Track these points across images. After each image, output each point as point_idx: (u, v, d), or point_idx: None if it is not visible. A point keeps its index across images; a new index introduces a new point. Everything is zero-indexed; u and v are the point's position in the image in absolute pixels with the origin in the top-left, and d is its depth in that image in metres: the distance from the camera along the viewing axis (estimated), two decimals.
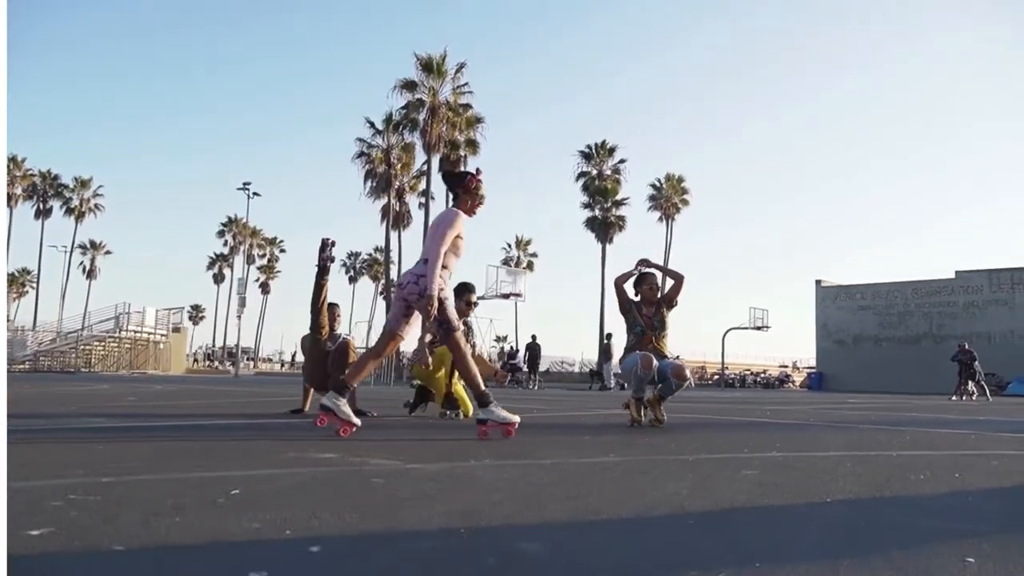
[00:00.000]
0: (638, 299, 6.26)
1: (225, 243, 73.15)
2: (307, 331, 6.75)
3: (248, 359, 59.57)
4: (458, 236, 4.55)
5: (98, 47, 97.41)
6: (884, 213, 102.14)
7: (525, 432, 4.63)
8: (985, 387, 19.98)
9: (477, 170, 4.77)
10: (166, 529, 1.80)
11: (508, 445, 4.06)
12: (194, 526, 1.85)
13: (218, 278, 75.71)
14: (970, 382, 19.55)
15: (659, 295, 6.27)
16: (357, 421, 4.34)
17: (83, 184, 58.89)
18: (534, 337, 23.93)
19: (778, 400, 15.43)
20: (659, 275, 6.45)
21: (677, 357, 6.78)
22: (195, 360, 63.32)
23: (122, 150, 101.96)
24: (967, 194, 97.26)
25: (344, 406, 4.26)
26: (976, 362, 19.73)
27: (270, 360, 76.33)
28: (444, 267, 4.48)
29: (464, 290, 6.73)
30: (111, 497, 2.23)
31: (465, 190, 4.72)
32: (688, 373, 5.92)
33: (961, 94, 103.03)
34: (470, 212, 4.73)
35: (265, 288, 77.53)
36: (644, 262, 6.33)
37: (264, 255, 76.89)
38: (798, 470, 3.35)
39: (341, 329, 7.13)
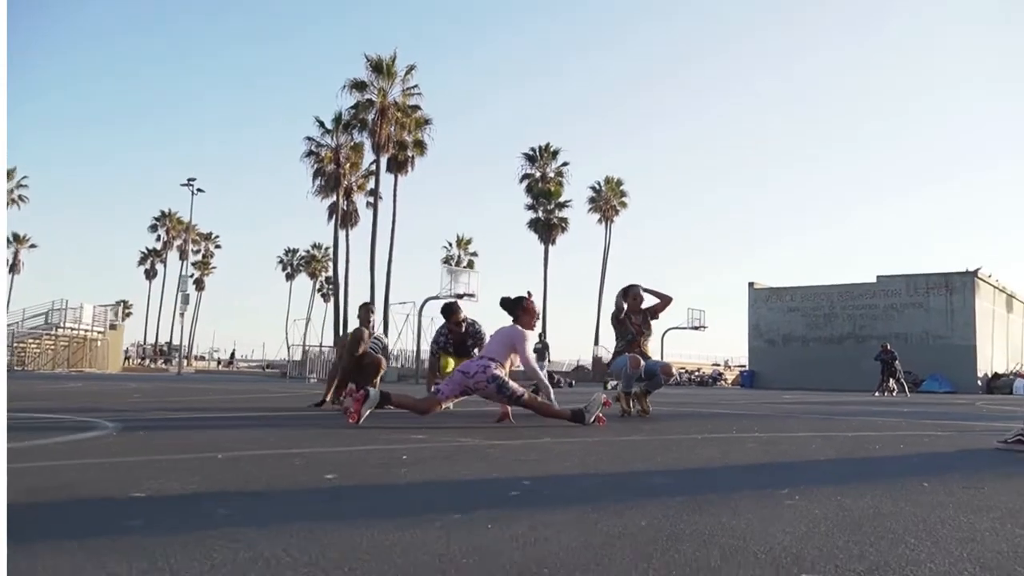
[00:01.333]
0: (624, 309, 7.24)
1: (158, 238, 71.55)
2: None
3: (181, 357, 58.54)
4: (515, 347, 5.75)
5: (25, 36, 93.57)
6: (812, 218, 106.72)
7: (532, 421, 5.52)
8: (904, 384, 21.82)
9: (529, 294, 6.00)
10: (388, 476, 2.63)
11: (550, 430, 4.94)
12: (421, 474, 2.69)
13: (150, 274, 73.98)
14: (891, 379, 21.32)
15: (643, 306, 7.27)
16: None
17: (7, 175, 56.99)
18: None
19: (719, 396, 16.71)
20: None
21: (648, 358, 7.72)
22: (127, 358, 61.89)
23: (47, 141, 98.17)
24: (890, 201, 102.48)
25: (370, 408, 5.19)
26: (897, 361, 21.53)
27: (203, 359, 74.88)
28: (499, 361, 5.61)
29: (450, 312, 7.77)
30: (286, 464, 3.03)
31: (525, 311, 5.88)
32: (673, 370, 6.93)
33: (883, 103, 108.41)
34: (530, 327, 5.90)
35: (200, 285, 76.09)
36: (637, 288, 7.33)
37: (199, 251, 75.45)
38: (785, 444, 4.36)
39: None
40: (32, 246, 67.13)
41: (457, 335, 8.07)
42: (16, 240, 65.49)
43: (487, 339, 6.43)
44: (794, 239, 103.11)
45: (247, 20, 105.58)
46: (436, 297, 29.39)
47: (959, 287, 34.52)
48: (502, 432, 4.70)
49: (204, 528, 1.77)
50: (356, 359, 7.25)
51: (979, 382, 32.29)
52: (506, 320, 5.92)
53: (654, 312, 7.28)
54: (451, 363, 7.77)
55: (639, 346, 7.04)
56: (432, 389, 6.18)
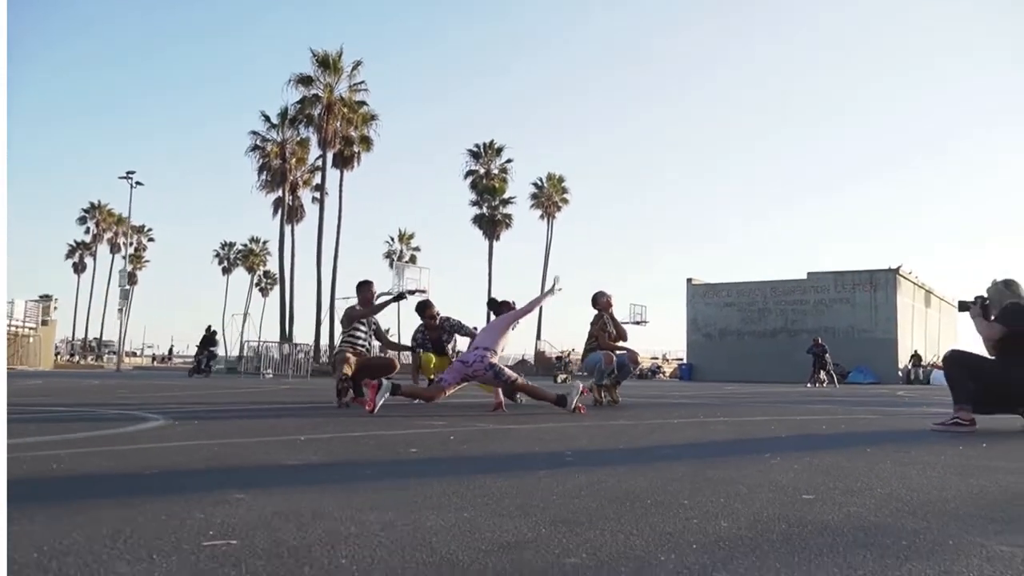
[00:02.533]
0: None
1: (87, 231, 69.46)
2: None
3: (111, 352, 57.13)
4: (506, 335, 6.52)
5: None
6: (749, 215, 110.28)
7: (522, 410, 6.27)
8: (833, 375, 23.40)
9: (513, 303, 6.88)
10: (455, 449, 3.35)
11: (553, 418, 5.70)
12: (478, 449, 3.40)
13: (79, 267, 71.80)
14: (822, 371, 22.84)
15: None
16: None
17: None
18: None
19: (666, 388, 17.77)
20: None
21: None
22: (57, 354, 60.01)
23: None
24: (821, 198, 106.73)
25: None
26: (827, 354, 23.06)
27: (136, 355, 73.03)
28: (495, 351, 6.31)
29: (424, 308, 8.41)
30: (366, 443, 3.72)
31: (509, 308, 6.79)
32: (639, 358, 7.75)
33: (811, 103, 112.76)
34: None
35: (132, 279, 74.02)
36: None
37: (131, 244, 73.44)
38: (749, 426, 5.22)
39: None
40: None
41: (433, 330, 8.70)
42: None
43: (476, 329, 7.18)
44: (731, 236, 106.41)
45: (188, 12, 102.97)
46: (386, 293, 29.81)
47: (882, 283, 36.78)
48: (507, 419, 5.42)
49: (380, 479, 2.45)
50: (366, 360, 7.35)
51: (900, 373, 34.49)
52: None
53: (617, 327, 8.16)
54: (432, 359, 8.42)
55: (610, 344, 7.86)
56: (435, 378, 6.89)
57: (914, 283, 39.75)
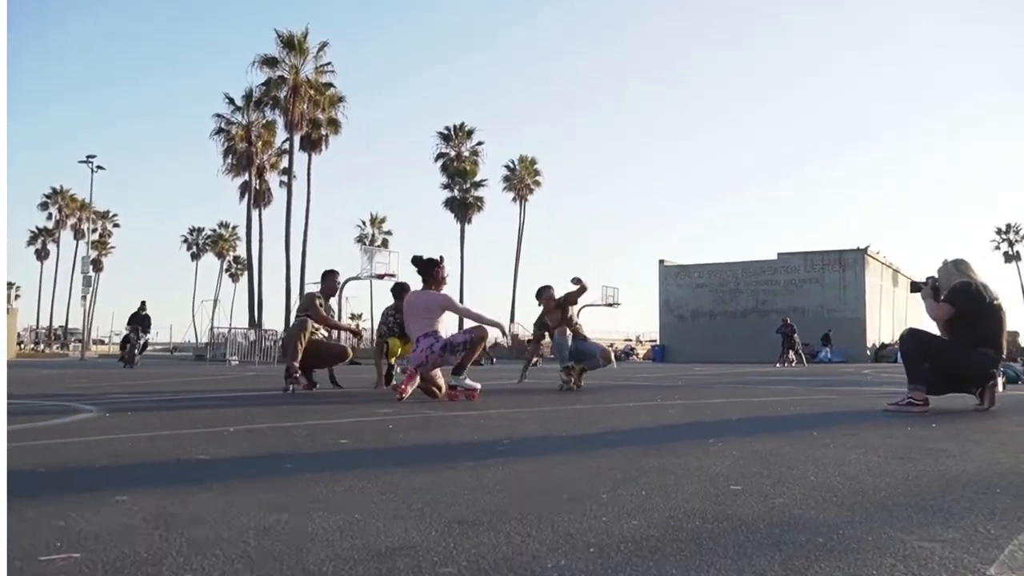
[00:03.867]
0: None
1: (49, 216, 68.02)
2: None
3: (77, 340, 56.14)
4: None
5: None
6: (720, 197, 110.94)
7: (502, 394, 6.13)
8: (802, 355, 23.58)
9: (441, 258, 6.28)
10: (387, 439, 3.20)
11: (512, 402, 5.56)
12: (416, 438, 3.26)
13: (41, 254, 70.43)
14: (791, 351, 22.99)
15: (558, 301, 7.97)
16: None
17: None
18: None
19: (636, 370, 17.76)
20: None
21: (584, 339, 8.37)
22: (20, 343, 58.78)
23: None
24: (790, 179, 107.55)
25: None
26: (796, 334, 23.21)
27: (103, 342, 71.87)
28: (435, 330, 6.04)
29: (401, 291, 8.08)
30: (297, 434, 3.56)
31: (436, 281, 6.20)
32: (612, 356, 7.52)
33: (779, 84, 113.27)
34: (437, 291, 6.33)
35: (97, 265, 72.83)
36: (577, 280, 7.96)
37: (96, 230, 72.07)
38: (704, 408, 5.13)
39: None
40: None
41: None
42: None
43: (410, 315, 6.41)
44: (702, 217, 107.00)
45: None
46: (356, 278, 29.54)
47: (851, 263, 37.12)
48: (457, 406, 5.28)
49: (292, 474, 2.30)
50: (317, 344, 7.22)
51: (868, 352, 34.89)
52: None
53: (571, 299, 7.97)
54: (399, 346, 8.23)
55: (567, 332, 7.76)
56: (404, 369, 6.58)
57: (882, 263, 40.19)
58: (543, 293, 8.04)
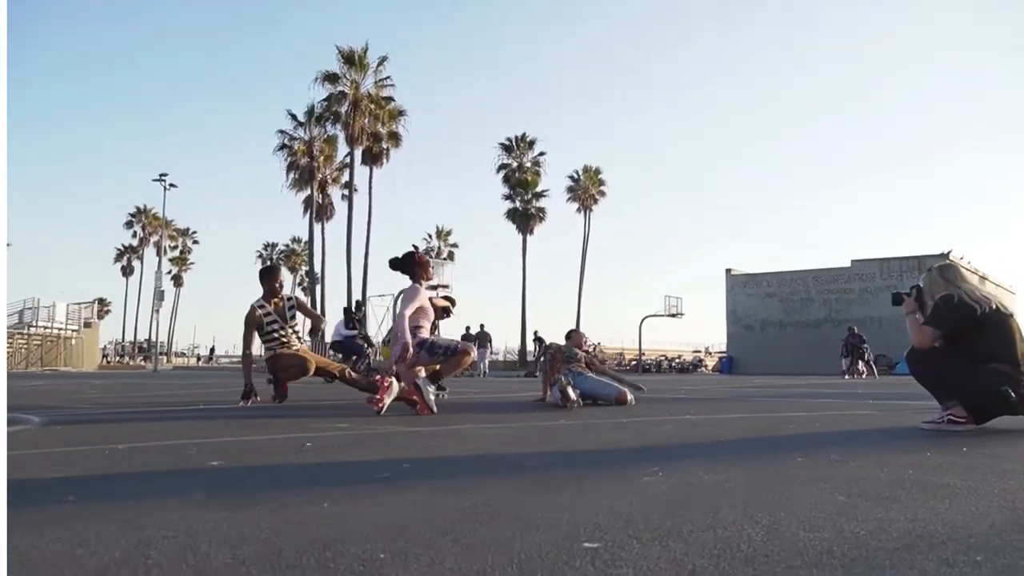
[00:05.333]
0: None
1: (134, 234, 70.93)
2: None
3: (160, 354, 58.12)
4: (421, 305, 5.78)
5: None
6: (789, 204, 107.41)
7: (506, 407, 5.58)
8: (873, 366, 22.08)
9: (415, 247, 6.03)
10: (285, 459, 2.68)
11: (498, 417, 5.00)
12: (313, 458, 2.73)
13: (127, 271, 73.41)
14: (859, 362, 21.58)
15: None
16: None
17: None
18: (482, 326, 25.04)
19: (692, 382, 16.87)
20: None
21: (598, 345, 7.75)
22: (105, 356, 61.35)
23: (17, 136, 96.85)
24: (864, 185, 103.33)
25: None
26: (864, 344, 21.77)
27: (184, 355, 74.44)
28: (419, 326, 5.69)
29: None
30: (206, 449, 3.08)
31: (419, 264, 5.86)
32: (628, 398, 6.70)
33: (856, 87, 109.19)
34: (428, 279, 5.98)
35: (178, 281, 75.61)
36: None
37: (176, 247, 74.85)
38: (703, 425, 4.45)
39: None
40: (8, 244, 66.38)
41: None
42: None
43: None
44: (770, 225, 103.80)
45: (217, 12, 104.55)
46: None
47: None
48: (425, 420, 4.75)
49: (118, 501, 1.81)
50: (272, 359, 6.65)
51: None
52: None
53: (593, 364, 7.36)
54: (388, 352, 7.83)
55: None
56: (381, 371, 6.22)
57: (967, 269, 37.78)
58: (573, 336, 7.48)
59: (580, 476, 2.42)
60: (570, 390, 6.19)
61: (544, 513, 1.78)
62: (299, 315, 6.89)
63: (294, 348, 6.72)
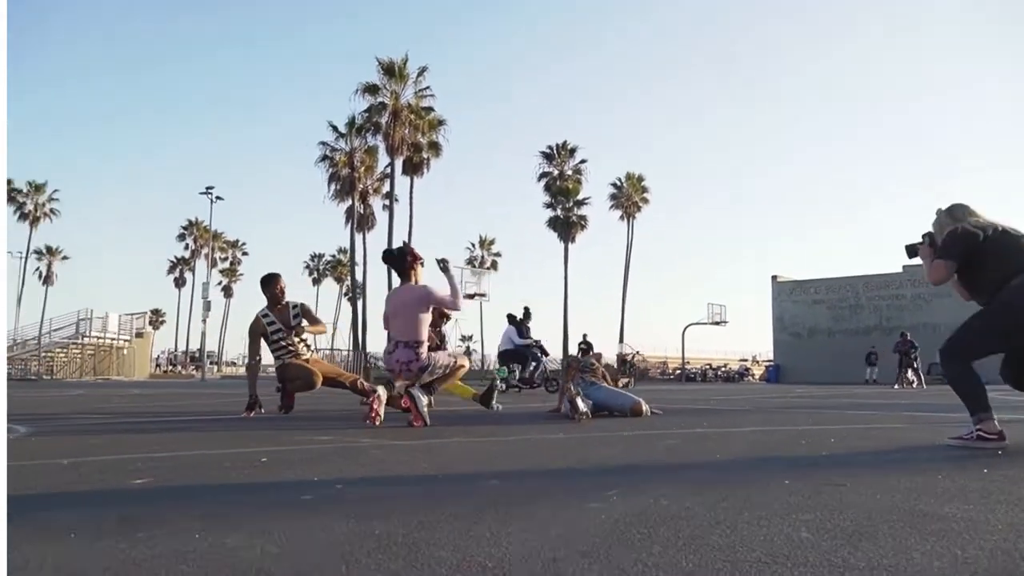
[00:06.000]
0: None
1: (186, 247, 72.60)
2: None
3: (212, 363, 59.19)
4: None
5: (50, 48, 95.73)
6: (836, 209, 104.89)
7: (521, 418, 5.32)
8: (921, 376, 21.01)
9: (405, 244, 5.79)
10: (224, 477, 2.46)
11: (499, 430, 4.75)
12: (248, 477, 2.51)
13: (179, 282, 75.12)
14: (909, 370, 20.65)
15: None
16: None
17: (37, 189, 57.90)
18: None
19: (731, 392, 16.33)
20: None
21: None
22: (157, 365, 62.82)
23: (76, 154, 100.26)
24: (915, 187, 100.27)
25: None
26: (915, 351, 20.75)
27: (234, 364, 75.85)
28: (420, 340, 5.42)
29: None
30: (164, 465, 2.88)
31: (415, 259, 5.61)
32: (644, 409, 6.39)
33: (905, 92, 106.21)
34: (419, 276, 5.65)
35: (228, 292, 77.17)
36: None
37: (226, 258, 76.42)
38: (708, 440, 4.11)
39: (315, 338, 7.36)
40: (64, 258, 68.41)
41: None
42: (49, 252, 66.74)
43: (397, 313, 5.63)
44: (817, 231, 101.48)
45: (266, 25, 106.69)
46: None
47: None
48: (416, 433, 4.51)
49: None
50: (280, 369, 6.50)
51: None
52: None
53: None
54: None
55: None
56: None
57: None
58: (590, 351, 7.31)
59: (524, 500, 2.14)
60: (579, 401, 5.90)
61: (440, 548, 1.52)
62: (305, 322, 6.72)
63: (303, 358, 6.57)
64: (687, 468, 3.00)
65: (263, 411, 6.31)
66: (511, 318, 13.93)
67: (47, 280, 66.63)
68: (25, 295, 60.54)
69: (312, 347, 6.87)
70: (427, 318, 5.45)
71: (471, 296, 27.78)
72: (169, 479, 2.56)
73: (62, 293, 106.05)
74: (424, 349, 5.38)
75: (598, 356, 7.39)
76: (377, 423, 4.99)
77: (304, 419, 5.74)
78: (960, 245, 3.79)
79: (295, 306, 6.66)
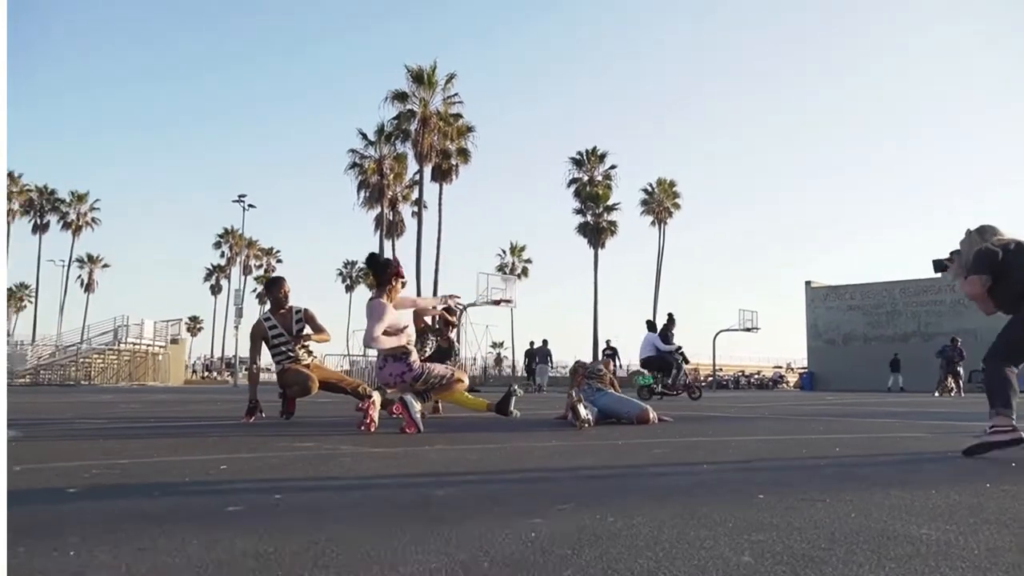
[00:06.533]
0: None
1: (222, 254, 73.74)
2: None
3: (236, 369, 60.00)
4: (393, 323, 5.23)
5: (89, 59, 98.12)
6: (870, 213, 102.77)
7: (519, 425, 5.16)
8: (960, 383, 20.28)
9: (397, 262, 5.48)
10: (181, 489, 2.34)
11: (490, 437, 4.60)
12: (199, 485, 2.39)
13: (215, 289, 76.30)
14: (949, 377, 19.95)
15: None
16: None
17: (79, 198, 59.32)
18: (545, 342, 24.47)
19: (759, 399, 15.95)
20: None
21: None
22: (193, 371, 63.70)
23: (117, 163, 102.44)
24: (953, 191, 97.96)
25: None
26: (960, 358, 20.01)
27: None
28: (408, 351, 5.21)
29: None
30: (134, 470, 2.77)
31: (396, 276, 5.36)
32: (651, 416, 6.19)
33: (949, 93, 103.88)
34: (390, 298, 5.30)
35: (263, 299, 78.03)
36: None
37: (261, 265, 77.40)
38: (701, 449, 3.90)
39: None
40: (105, 266, 69.92)
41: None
42: (90, 260, 68.31)
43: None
44: (852, 236, 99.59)
45: (297, 34, 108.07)
46: (473, 304, 29.22)
47: None
48: (400, 440, 4.37)
49: None
50: (279, 374, 6.46)
51: None
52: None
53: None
54: None
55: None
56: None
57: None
58: (615, 356, 7.16)
59: (460, 515, 1.98)
60: (581, 408, 5.72)
61: (323, 570, 1.37)
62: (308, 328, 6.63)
63: (303, 363, 6.49)
64: (662, 479, 2.81)
65: (264, 415, 6.24)
66: (651, 325, 13.61)
67: (88, 287, 68.17)
68: (67, 302, 61.87)
69: (314, 353, 6.80)
70: (408, 330, 5.33)
71: (496, 302, 27.68)
72: (104, 485, 2.45)
73: (103, 300, 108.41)
74: (414, 357, 5.23)
75: (606, 362, 7.18)
76: (372, 429, 4.90)
77: (301, 425, 5.64)
78: (986, 261, 4.01)
79: (298, 311, 6.58)
